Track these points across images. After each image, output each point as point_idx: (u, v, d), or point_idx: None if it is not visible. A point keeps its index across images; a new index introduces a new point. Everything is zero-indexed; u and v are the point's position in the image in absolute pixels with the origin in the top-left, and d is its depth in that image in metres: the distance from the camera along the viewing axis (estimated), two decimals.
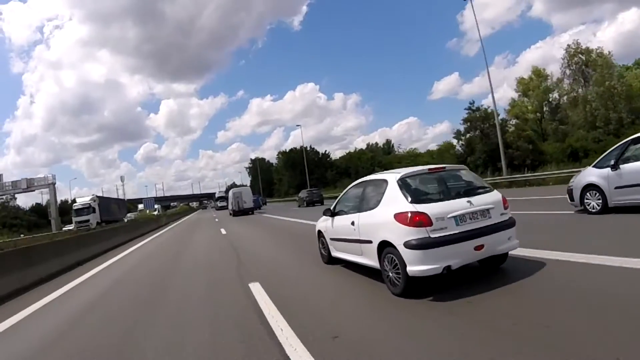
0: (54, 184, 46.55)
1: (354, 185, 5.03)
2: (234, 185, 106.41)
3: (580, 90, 30.19)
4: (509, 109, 35.53)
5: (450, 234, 3.51)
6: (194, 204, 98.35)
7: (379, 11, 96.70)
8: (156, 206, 55.97)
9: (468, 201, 3.72)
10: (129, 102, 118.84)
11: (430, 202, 3.71)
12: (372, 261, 4.13)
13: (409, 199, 3.71)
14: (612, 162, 6.46)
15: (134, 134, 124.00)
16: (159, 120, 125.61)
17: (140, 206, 64.24)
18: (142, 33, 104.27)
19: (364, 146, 67.33)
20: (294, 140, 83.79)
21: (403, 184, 3.89)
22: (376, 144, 68.64)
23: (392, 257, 3.72)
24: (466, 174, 4.38)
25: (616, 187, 6.24)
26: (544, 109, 34.27)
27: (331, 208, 5.27)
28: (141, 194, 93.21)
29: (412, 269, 3.47)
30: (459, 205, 3.67)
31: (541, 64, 67.46)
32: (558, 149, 24.63)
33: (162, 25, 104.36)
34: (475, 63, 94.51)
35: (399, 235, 3.58)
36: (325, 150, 66.55)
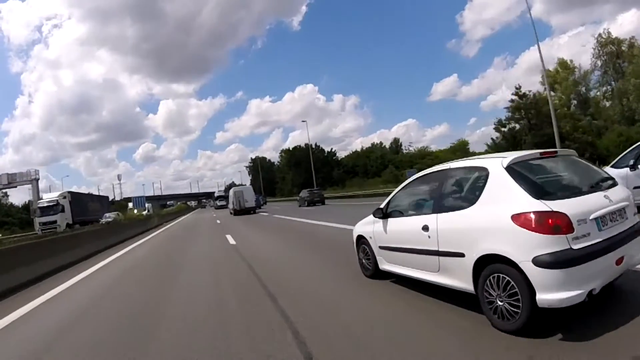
0: (37, 179, 44.65)
1: (421, 177, 3.95)
2: (233, 185, 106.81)
3: (613, 82, 28.71)
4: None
5: (595, 243, 2.57)
6: (193, 203, 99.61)
7: (379, 12, 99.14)
8: (147, 205, 49.79)
9: (605, 196, 2.79)
10: (127, 102, 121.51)
11: (564, 198, 2.66)
12: (459, 282, 3.07)
13: (532, 193, 2.66)
14: (631, 162, 6.50)
15: (133, 134, 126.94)
16: (158, 121, 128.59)
17: (131, 205, 63.05)
18: (141, 32, 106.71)
19: (360, 147, 68.14)
20: (293, 141, 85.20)
21: (516, 172, 2.83)
22: (381, 143, 67.47)
23: (504, 279, 2.65)
24: (581, 162, 3.47)
25: (635, 187, 6.11)
26: (572, 102, 32.82)
27: (382, 207, 4.20)
28: (139, 193, 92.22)
29: (546, 297, 2.44)
30: (597, 202, 2.73)
31: (539, 66, 72.92)
32: (615, 142, 22.53)
33: (162, 24, 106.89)
34: (475, 64, 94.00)
35: (524, 247, 2.52)
36: (331, 148, 65.12)
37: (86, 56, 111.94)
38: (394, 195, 4.19)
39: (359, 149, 67.78)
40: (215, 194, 78.06)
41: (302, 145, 65.59)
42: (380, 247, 4.24)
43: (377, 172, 53.44)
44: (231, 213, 27.38)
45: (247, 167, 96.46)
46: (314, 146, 64.04)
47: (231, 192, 28.11)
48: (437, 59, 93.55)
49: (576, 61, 33.38)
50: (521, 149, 26.81)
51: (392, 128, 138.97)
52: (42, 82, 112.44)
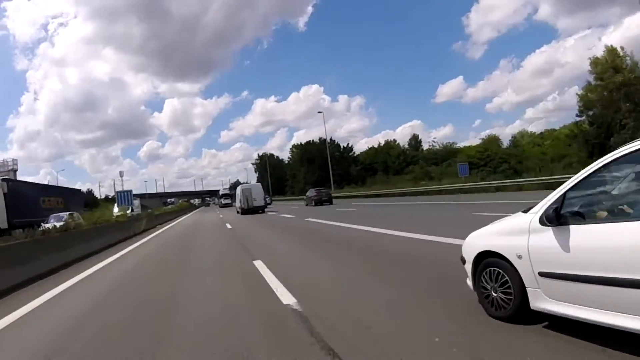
0: (14, 170, 40.74)
1: None
2: (238, 183, 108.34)
3: None
4: (583, 93, 31.65)
5: None
6: (196, 201, 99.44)
7: (384, 13, 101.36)
8: (136, 202, 37.67)
9: None
10: (133, 101, 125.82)
11: None
12: None
13: None
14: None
15: (138, 131, 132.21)
16: (163, 119, 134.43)
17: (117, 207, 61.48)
18: (147, 31, 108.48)
19: (367, 146, 68.18)
20: (298, 140, 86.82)
21: None
22: (394, 140, 65.89)
23: None
24: None
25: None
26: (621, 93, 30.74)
27: (550, 204, 2.64)
28: (142, 191, 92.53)
29: None
30: None
31: (545, 70, 79.01)
32: None
33: (167, 23, 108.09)
34: (481, 66, 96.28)
35: None
36: (348, 143, 62.94)
37: (92, 55, 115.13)
38: (575, 182, 2.61)
39: (370, 147, 66.75)
40: (220, 192, 78.53)
41: (316, 139, 63.39)
42: (544, 274, 2.64)
43: (399, 170, 51.33)
44: (238, 212, 26.72)
45: (253, 164, 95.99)
46: (329, 140, 61.91)
47: (239, 189, 27.48)
48: (442, 61, 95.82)
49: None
50: (619, 136, 24.22)
51: (396, 129, 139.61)
52: (48, 79, 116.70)
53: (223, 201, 61.27)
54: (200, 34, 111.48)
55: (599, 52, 32.88)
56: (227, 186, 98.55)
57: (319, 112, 54.11)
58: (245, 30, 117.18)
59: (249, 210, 24.60)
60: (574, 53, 73.29)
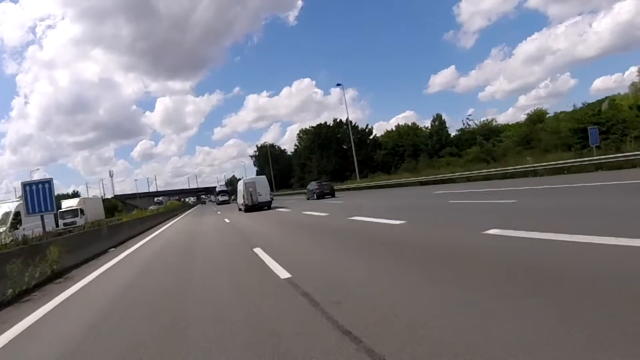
0: None
1: None
2: (234, 179, 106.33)
3: None
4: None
5: None
6: (191, 199, 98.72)
7: (374, 5, 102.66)
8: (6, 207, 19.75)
9: None
10: (124, 101, 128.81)
11: None
12: None
13: None
14: None
15: (130, 131, 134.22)
16: (155, 118, 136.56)
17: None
18: (136, 30, 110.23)
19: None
20: (291, 136, 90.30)
21: None
22: (413, 124, 57.21)
23: None
24: None
25: None
26: None
27: None
28: (134, 191, 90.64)
29: None
30: None
31: (537, 57, 78.71)
32: None
33: (156, 21, 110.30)
34: (472, 55, 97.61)
35: None
36: (367, 125, 53.12)
37: (81, 56, 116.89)
38: None
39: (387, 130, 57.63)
40: (217, 189, 75.37)
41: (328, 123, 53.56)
42: None
43: (433, 153, 44.29)
44: (240, 209, 24.66)
45: (252, 156, 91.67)
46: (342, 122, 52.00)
47: (241, 184, 25.07)
48: (434, 51, 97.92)
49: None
50: None
51: (390, 120, 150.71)
52: (38, 82, 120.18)
53: (220, 198, 58.93)
54: (190, 31, 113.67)
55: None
56: (223, 183, 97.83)
57: (338, 85, 42.84)
58: (235, 25, 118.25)
59: (254, 206, 22.37)
60: (565, 40, 75.76)
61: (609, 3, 76.08)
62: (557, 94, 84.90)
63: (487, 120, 52.02)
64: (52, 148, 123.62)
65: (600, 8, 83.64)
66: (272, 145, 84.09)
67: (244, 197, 23.01)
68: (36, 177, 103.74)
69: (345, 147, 51.07)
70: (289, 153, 75.57)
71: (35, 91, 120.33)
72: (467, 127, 51.85)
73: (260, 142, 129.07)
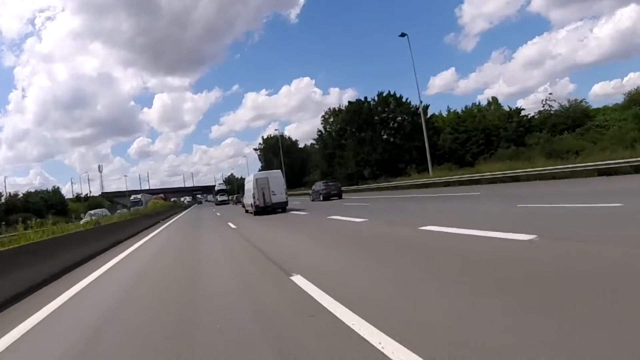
0: None
1: None
2: (232, 178, 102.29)
3: None
4: None
5: None
6: (186, 199, 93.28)
7: (377, 5, 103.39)
8: None
9: None
10: (122, 96, 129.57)
11: None
12: None
13: None
14: None
15: (127, 128, 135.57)
16: (153, 115, 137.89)
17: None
18: (136, 25, 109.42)
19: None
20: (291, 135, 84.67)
21: None
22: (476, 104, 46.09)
23: None
24: None
25: None
26: None
27: None
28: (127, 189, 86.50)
29: None
30: None
31: (537, 61, 79.70)
32: None
33: (157, 17, 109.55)
34: (472, 58, 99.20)
35: None
36: (421, 102, 40.19)
37: (80, 49, 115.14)
38: None
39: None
40: (216, 188, 71.50)
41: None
42: None
43: (516, 140, 34.79)
44: (247, 211, 21.33)
45: (257, 149, 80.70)
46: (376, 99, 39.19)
47: (250, 180, 20.31)
48: (435, 53, 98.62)
49: None
50: None
51: None
52: (36, 76, 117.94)
53: (219, 198, 55.48)
54: (191, 27, 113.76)
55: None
56: (222, 181, 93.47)
57: (403, 35, 29.26)
58: (236, 23, 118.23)
59: (266, 208, 18.29)
60: (565, 45, 77.63)
61: (611, 9, 75.78)
62: (556, 99, 77.55)
63: (576, 100, 39.74)
64: (49, 144, 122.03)
65: (602, 14, 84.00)
66: (282, 136, 72.46)
67: (254, 197, 19.24)
68: (32, 174, 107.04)
69: (394, 128, 37.83)
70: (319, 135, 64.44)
71: (33, 85, 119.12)
72: (549, 108, 40.83)
73: (257, 141, 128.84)
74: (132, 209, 32.72)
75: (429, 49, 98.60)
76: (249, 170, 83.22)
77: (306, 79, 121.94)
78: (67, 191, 79.11)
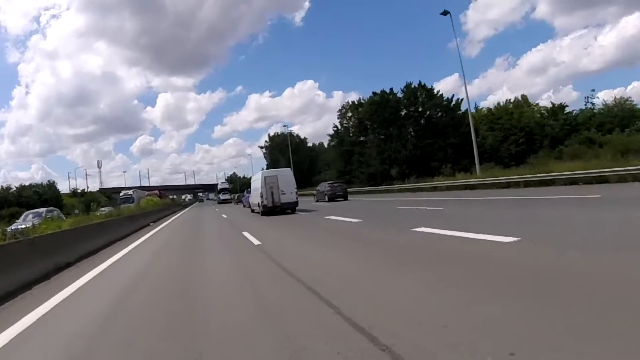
0: None
1: None
2: (235, 177, 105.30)
3: None
4: None
5: None
6: (187, 197, 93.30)
7: (381, 10, 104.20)
8: None
9: None
10: (125, 95, 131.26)
11: None
12: None
13: None
14: None
15: (130, 126, 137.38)
16: (156, 114, 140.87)
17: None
18: (141, 24, 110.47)
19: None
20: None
21: None
22: (512, 100, 42.63)
23: None
24: None
25: None
26: None
27: None
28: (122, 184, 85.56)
29: None
30: None
31: (541, 68, 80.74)
32: None
33: (162, 17, 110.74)
34: (476, 64, 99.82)
35: None
36: (453, 96, 35.56)
37: (84, 48, 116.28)
38: None
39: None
40: (219, 186, 71.87)
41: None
42: None
43: (562, 139, 30.94)
44: (253, 211, 20.15)
45: (262, 147, 76.89)
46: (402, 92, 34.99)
47: (258, 178, 19.34)
48: (438, 58, 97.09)
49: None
50: None
51: None
52: (40, 73, 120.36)
53: (222, 196, 56.14)
54: (195, 28, 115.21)
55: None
56: (224, 179, 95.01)
57: (445, 13, 24.98)
58: (240, 24, 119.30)
59: (274, 208, 17.03)
60: (569, 52, 78.52)
61: (616, 17, 76.65)
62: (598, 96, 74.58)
63: (622, 99, 35.74)
64: (51, 140, 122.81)
65: (607, 22, 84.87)
66: (290, 134, 67.83)
67: (261, 196, 17.53)
68: (34, 169, 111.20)
69: (425, 124, 33.24)
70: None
71: (37, 81, 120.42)
72: (591, 106, 37.59)
73: (259, 142, 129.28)
74: (122, 206, 28.25)
75: (433, 54, 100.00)
76: (253, 169, 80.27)
77: (310, 82, 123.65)
78: (72, 186, 79.80)
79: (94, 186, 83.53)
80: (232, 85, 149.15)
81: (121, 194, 39.37)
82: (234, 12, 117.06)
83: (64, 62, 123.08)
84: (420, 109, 35.76)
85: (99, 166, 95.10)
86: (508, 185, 20.75)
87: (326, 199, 25.10)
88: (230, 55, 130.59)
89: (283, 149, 66.21)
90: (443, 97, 35.95)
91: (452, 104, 36.24)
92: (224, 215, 19.20)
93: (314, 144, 76.84)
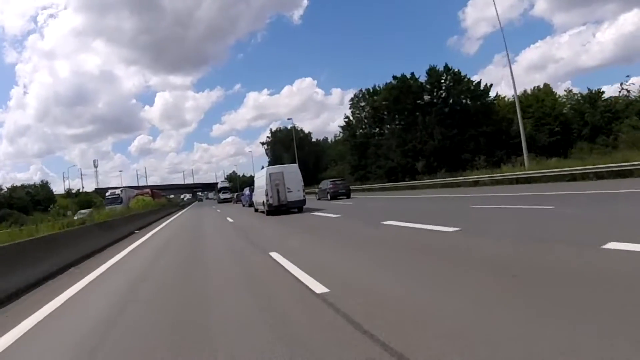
0: None
1: None
2: (234, 175, 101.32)
3: None
4: None
5: None
6: (187, 196, 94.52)
7: (380, 7, 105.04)
8: None
9: None
10: (123, 94, 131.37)
11: None
12: None
13: None
14: None
15: (129, 126, 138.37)
16: (154, 113, 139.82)
17: None
18: (139, 23, 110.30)
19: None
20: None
21: None
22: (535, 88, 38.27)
23: None
24: None
25: None
26: None
27: None
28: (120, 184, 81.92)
29: None
30: None
31: (539, 65, 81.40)
32: None
33: (160, 15, 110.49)
34: (475, 61, 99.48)
35: None
36: (480, 80, 31.83)
37: (82, 47, 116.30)
38: None
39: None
40: (219, 186, 71.25)
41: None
42: None
43: (602, 127, 28.35)
44: (257, 210, 19.56)
45: (264, 143, 72.44)
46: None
47: (262, 175, 18.07)
48: (437, 55, 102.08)
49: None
50: None
51: None
52: (37, 73, 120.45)
53: (222, 195, 55.69)
54: (194, 26, 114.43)
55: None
56: (224, 178, 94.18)
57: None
58: (239, 23, 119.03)
59: (281, 207, 16.12)
60: (568, 49, 78.20)
61: (614, 14, 79.39)
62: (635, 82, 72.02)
63: None
64: (49, 140, 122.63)
65: (605, 18, 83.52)
66: (294, 128, 62.93)
67: (266, 194, 16.46)
68: (32, 170, 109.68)
69: (452, 111, 29.57)
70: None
71: (35, 81, 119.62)
72: (626, 94, 32.86)
73: (258, 141, 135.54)
74: (107, 208, 24.34)
75: (432, 51, 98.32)
76: (254, 166, 77.21)
77: (308, 80, 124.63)
78: (68, 186, 77.83)
79: (91, 186, 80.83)
80: (230, 84, 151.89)
81: (107, 194, 34.28)
82: (232, 10, 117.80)
83: (61, 62, 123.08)
84: (444, 95, 31.59)
85: (95, 166, 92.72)
86: (573, 178, 17.36)
87: (328, 197, 25.02)
88: (228, 53, 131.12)
89: (286, 145, 62.61)
90: (472, 82, 31.69)
91: (482, 87, 31.97)
92: (230, 219, 15.34)
93: (317, 140, 73.31)
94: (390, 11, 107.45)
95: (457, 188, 22.21)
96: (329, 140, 79.14)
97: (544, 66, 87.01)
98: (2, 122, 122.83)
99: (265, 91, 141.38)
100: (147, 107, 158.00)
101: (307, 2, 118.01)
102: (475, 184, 21.76)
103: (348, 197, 24.76)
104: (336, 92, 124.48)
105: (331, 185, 25.65)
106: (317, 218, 11.92)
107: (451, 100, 31.80)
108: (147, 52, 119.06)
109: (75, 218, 17.83)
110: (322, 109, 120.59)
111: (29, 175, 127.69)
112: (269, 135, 72.54)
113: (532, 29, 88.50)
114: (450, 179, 24.24)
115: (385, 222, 7.98)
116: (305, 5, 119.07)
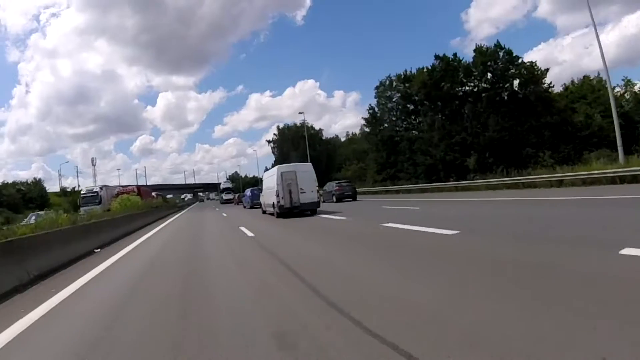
0: None
1: None
2: (236, 176, 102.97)
3: None
4: None
5: None
6: (187, 197, 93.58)
7: (383, 9, 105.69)
8: None
9: None
10: (125, 94, 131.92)
11: None
12: None
13: None
14: None
15: (131, 125, 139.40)
16: (156, 113, 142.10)
17: None
18: (141, 22, 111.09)
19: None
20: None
21: None
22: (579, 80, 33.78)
23: None
24: None
25: None
26: None
27: None
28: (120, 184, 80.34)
29: None
30: None
31: (542, 66, 71.41)
32: None
33: (162, 14, 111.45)
34: None
35: None
36: (534, 62, 26.91)
37: (84, 46, 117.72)
38: None
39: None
40: (222, 186, 71.58)
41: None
42: None
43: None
44: (265, 212, 18.82)
45: (271, 141, 68.78)
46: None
47: (273, 175, 17.25)
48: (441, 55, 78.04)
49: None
50: None
51: None
52: (40, 71, 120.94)
53: (224, 196, 54.82)
54: (196, 25, 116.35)
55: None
56: (226, 179, 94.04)
57: None
58: (242, 22, 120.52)
59: (294, 210, 15.41)
60: (571, 51, 78.99)
61: (618, 15, 78.72)
62: None
63: None
64: (51, 139, 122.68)
65: (609, 21, 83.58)
66: (302, 125, 58.66)
67: (277, 195, 15.90)
68: (34, 168, 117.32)
69: (507, 98, 24.69)
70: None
71: (37, 80, 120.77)
72: None
73: (260, 142, 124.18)
74: (82, 209, 19.53)
75: (435, 53, 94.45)
76: (259, 166, 79.88)
77: (310, 81, 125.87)
78: (62, 183, 77.64)
79: (89, 185, 78.46)
80: (232, 85, 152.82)
81: (83, 192, 28.67)
82: (235, 9, 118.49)
83: (64, 61, 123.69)
84: (495, 79, 26.61)
85: (94, 164, 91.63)
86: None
87: (334, 199, 24.75)
88: (231, 53, 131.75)
89: (295, 142, 58.76)
90: (525, 64, 26.38)
91: (538, 72, 26.89)
92: (244, 229, 10.25)
93: (327, 138, 69.32)
94: (393, 13, 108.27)
95: (529, 190, 17.39)
96: (342, 138, 74.66)
97: (546, 68, 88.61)
98: (4, 120, 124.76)
99: (267, 93, 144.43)
100: (149, 107, 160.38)
101: (309, 2, 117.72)
102: (560, 184, 16.89)
103: (354, 199, 24.73)
104: (338, 94, 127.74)
105: (337, 187, 25.72)
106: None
107: (507, 85, 26.90)
108: (150, 52, 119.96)
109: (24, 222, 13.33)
110: (324, 111, 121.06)
111: (31, 174, 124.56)
112: (276, 132, 69.16)
113: (536, 31, 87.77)
114: (522, 178, 19.06)
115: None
116: (308, 5, 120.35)
